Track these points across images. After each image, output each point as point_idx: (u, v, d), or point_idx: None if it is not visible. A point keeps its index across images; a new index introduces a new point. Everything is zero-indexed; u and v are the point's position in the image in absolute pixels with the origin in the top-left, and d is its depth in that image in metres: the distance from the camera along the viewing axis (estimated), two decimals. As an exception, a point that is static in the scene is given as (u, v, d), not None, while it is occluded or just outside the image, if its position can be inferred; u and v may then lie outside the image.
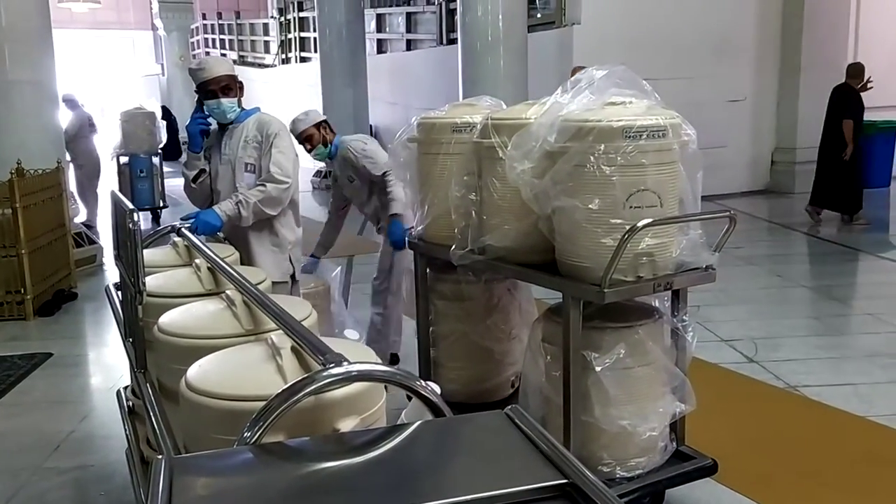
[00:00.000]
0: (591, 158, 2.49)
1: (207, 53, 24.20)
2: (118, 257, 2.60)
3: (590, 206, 2.52)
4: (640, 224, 2.45)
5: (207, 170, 3.68)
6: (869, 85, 8.44)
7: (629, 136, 2.48)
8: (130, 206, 2.19)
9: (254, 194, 3.47)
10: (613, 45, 8.44)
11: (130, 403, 2.67)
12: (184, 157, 3.85)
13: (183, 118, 21.29)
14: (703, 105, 8.79)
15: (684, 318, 2.80)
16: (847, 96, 8.41)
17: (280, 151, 3.53)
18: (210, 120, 3.63)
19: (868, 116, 11.23)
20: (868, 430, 3.70)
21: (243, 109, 3.65)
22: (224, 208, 3.45)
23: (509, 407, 1.27)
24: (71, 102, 9.85)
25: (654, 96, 2.66)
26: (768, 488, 3.18)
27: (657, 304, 2.87)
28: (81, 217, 9.25)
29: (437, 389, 1.47)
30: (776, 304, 5.99)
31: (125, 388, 2.92)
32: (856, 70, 8.50)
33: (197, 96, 3.62)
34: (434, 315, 3.47)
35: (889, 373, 4.38)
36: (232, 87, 3.59)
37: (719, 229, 2.83)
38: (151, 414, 1.92)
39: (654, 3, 9.87)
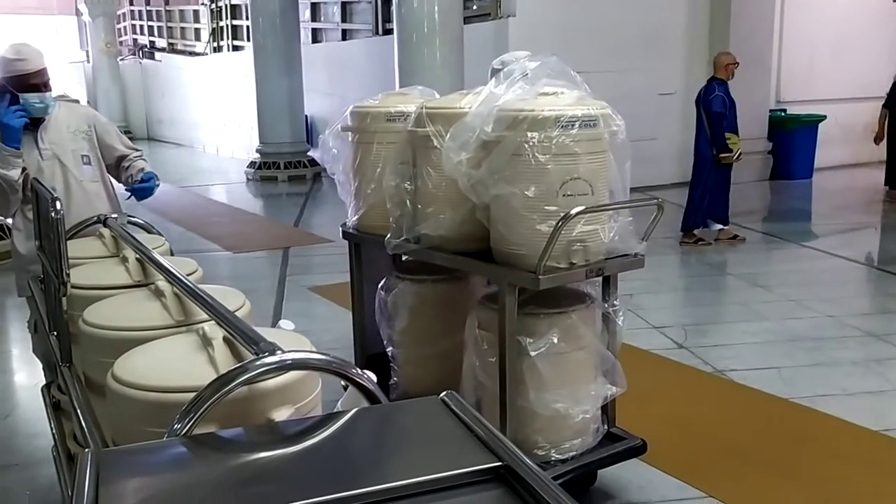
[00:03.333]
0: (526, 147, 2.52)
1: (135, 41, 23.51)
2: (40, 248, 2.51)
3: (526, 193, 2.56)
4: (573, 211, 2.50)
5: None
6: None
7: (562, 126, 2.52)
8: (53, 194, 2.12)
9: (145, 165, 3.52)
10: (548, 38, 8.52)
11: (56, 399, 2.58)
12: None
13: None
14: (635, 98, 8.96)
15: (615, 302, 2.86)
16: None
17: (120, 133, 3.65)
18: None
19: (791, 110, 11.70)
20: (791, 412, 3.85)
21: None
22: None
23: (444, 393, 1.28)
24: None
25: (584, 87, 2.71)
26: (696, 468, 3.28)
27: (589, 290, 2.92)
28: None
29: (373, 377, 1.46)
30: (705, 292, 6.17)
31: (50, 383, 2.83)
32: None
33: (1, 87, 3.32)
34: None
35: (811, 356, 4.56)
36: (48, 79, 3.38)
37: (649, 219, 2.90)
38: (77, 409, 1.86)
39: (588, -3, 10.02)
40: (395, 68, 9.07)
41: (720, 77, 7.14)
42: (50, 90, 3.35)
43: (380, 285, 3.37)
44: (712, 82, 7.16)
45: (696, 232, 7.36)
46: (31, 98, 3.28)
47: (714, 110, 6.91)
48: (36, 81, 3.29)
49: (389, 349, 3.36)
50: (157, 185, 3.47)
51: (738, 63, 7.25)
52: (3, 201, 3.32)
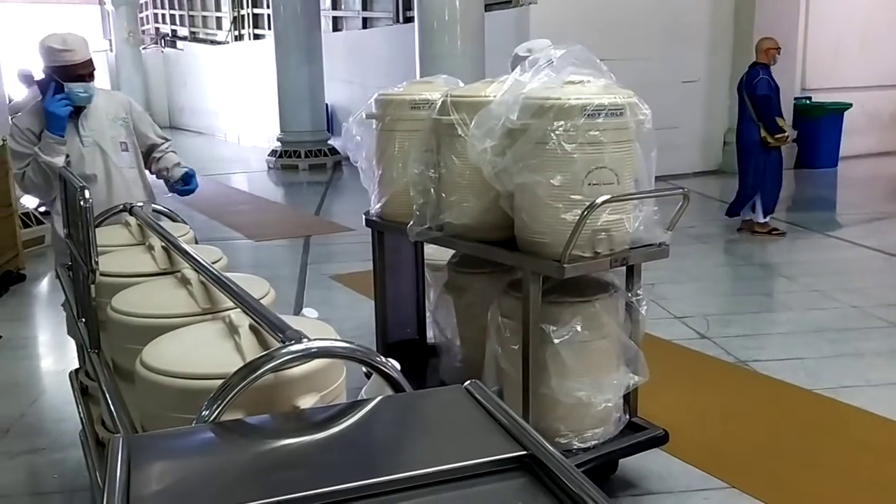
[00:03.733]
0: (553, 136, 2.51)
1: (157, 30, 23.62)
2: (69, 236, 2.54)
3: (551, 181, 2.55)
4: (598, 200, 2.49)
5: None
6: None
7: (588, 114, 2.50)
8: (81, 182, 2.14)
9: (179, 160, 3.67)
10: (569, 26, 8.46)
11: (84, 385, 2.62)
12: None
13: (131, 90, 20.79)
14: (658, 86, 8.87)
15: (638, 292, 2.85)
16: None
17: (153, 122, 3.74)
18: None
19: (816, 98, 11.54)
20: (814, 403, 3.82)
21: None
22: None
23: (468, 381, 1.28)
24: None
25: (609, 76, 2.69)
26: (718, 459, 3.27)
27: (612, 279, 2.92)
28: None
29: (397, 365, 1.47)
30: (728, 282, 6.12)
31: (77, 369, 2.87)
32: None
33: (44, 76, 3.39)
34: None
35: (835, 347, 4.51)
36: (94, 69, 3.43)
37: (673, 208, 2.88)
38: (106, 394, 1.88)
39: (610, -17, 9.92)
40: (416, 56, 9.05)
41: (762, 62, 7.10)
42: (94, 79, 3.41)
43: (442, 285, 3.42)
44: (755, 67, 7.12)
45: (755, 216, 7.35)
46: (76, 87, 3.33)
47: (759, 93, 6.91)
48: (82, 72, 3.35)
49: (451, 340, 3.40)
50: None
51: (779, 48, 7.21)
52: (47, 187, 3.40)
